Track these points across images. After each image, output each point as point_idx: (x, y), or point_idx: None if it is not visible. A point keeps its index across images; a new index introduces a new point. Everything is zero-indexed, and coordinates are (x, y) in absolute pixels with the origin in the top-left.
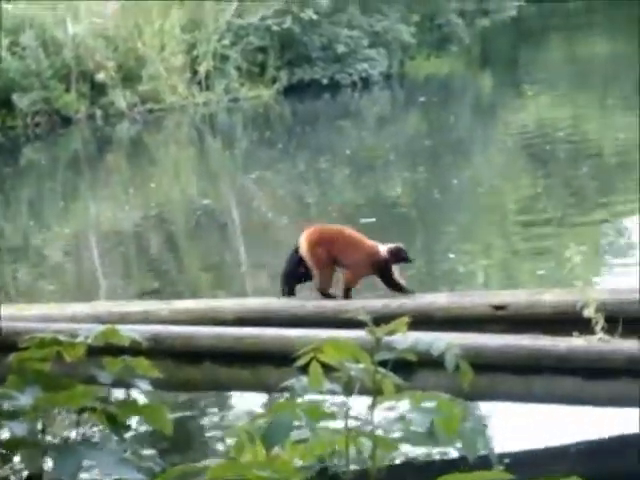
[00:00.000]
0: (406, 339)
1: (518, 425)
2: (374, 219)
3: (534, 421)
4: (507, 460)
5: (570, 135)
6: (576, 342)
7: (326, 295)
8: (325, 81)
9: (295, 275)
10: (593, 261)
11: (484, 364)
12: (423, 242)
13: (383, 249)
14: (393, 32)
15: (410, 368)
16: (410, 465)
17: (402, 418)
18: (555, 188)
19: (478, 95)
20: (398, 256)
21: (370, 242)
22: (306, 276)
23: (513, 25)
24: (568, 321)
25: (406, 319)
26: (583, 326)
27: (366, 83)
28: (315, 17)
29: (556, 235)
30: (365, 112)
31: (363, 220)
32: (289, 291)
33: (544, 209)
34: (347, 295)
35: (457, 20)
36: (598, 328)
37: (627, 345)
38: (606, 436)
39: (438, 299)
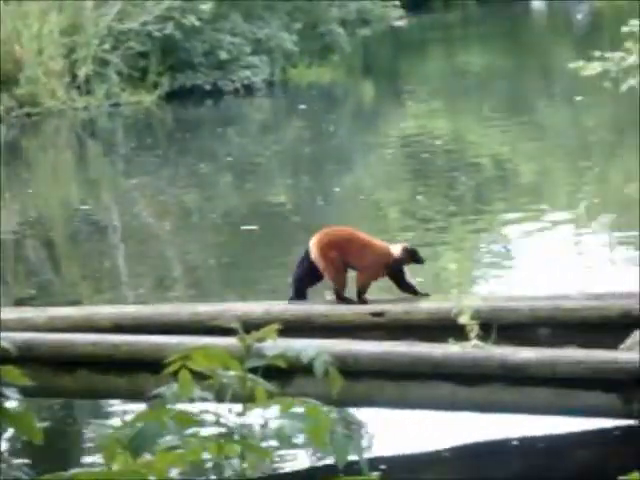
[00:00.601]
0: (276, 346)
1: (395, 431)
2: (257, 226)
3: (410, 427)
4: (383, 466)
5: (449, 144)
6: (451, 349)
7: (342, 299)
8: (208, 87)
9: (305, 279)
10: (470, 269)
11: (361, 371)
12: (305, 248)
13: (396, 249)
14: (275, 40)
15: (290, 375)
16: (291, 474)
17: (274, 425)
18: (434, 196)
19: (359, 103)
20: (412, 257)
21: (381, 243)
22: (317, 279)
23: (393, 35)
24: (444, 328)
25: (276, 326)
26: (458, 333)
27: (249, 90)
28: (197, 23)
29: (435, 243)
30: (247, 119)
31: (245, 227)
32: (299, 295)
33: (423, 217)
34: (361, 299)
35: (338, 29)
36: (473, 335)
37: (500, 351)
38: (480, 441)
39: (318, 306)
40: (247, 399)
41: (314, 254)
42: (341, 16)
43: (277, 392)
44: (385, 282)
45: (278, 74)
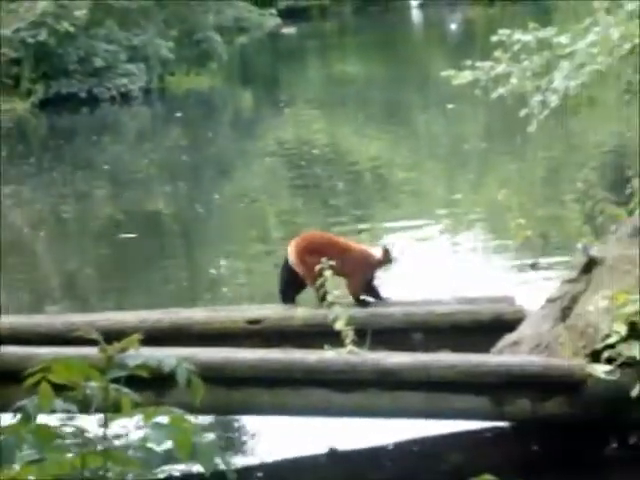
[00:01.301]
0: (139, 356)
1: (272, 437)
2: (136, 234)
3: (287, 433)
4: (260, 473)
5: (327, 153)
6: (326, 355)
7: (287, 301)
8: (83, 95)
9: (290, 285)
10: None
11: (238, 378)
12: (185, 257)
13: (377, 251)
14: (152, 47)
15: (168, 384)
16: None
17: (138, 435)
18: (314, 203)
19: (238, 111)
20: (389, 257)
21: (360, 246)
22: (303, 285)
23: (271, 43)
24: (320, 334)
25: (137, 336)
26: (334, 339)
27: (125, 98)
28: (72, 30)
29: None
30: (124, 127)
31: (124, 235)
32: (286, 301)
33: (304, 223)
34: (360, 302)
35: (215, 36)
36: (348, 340)
37: (375, 357)
38: (356, 446)
39: (195, 314)
40: (112, 409)
41: (292, 260)
42: (218, 23)
43: (152, 402)
44: (260, 290)
45: (155, 82)
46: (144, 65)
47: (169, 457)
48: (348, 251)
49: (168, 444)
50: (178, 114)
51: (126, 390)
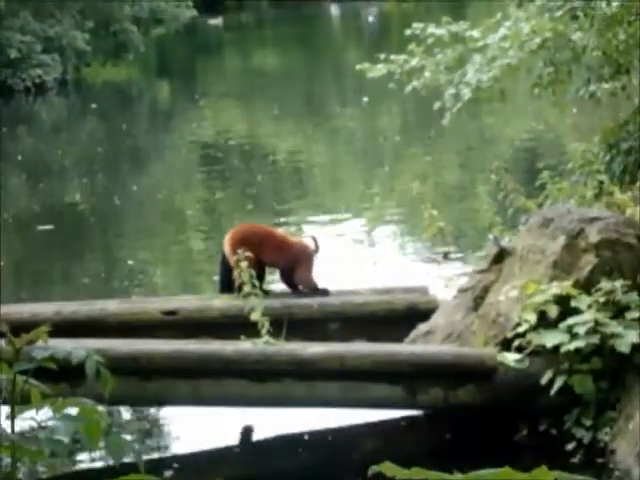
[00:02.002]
0: (47, 348)
1: (187, 428)
2: (52, 226)
3: (202, 424)
4: (176, 464)
5: (244, 144)
6: (243, 345)
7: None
8: None
9: (228, 275)
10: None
11: (154, 369)
12: (103, 248)
13: (310, 242)
14: (67, 38)
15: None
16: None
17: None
18: (232, 195)
19: (155, 103)
20: (318, 247)
21: (294, 238)
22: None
23: (188, 35)
24: (237, 325)
25: (45, 328)
26: (251, 330)
27: (41, 89)
28: None
29: None
30: (39, 118)
31: (41, 227)
32: (224, 291)
33: (222, 216)
34: (321, 292)
35: (132, 28)
36: (264, 331)
37: (291, 347)
38: (272, 436)
39: (109, 306)
40: (21, 401)
41: (226, 250)
42: (134, 15)
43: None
44: (177, 281)
45: (71, 73)
46: (59, 56)
47: (78, 448)
48: (285, 244)
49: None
50: (93, 105)
51: (35, 382)
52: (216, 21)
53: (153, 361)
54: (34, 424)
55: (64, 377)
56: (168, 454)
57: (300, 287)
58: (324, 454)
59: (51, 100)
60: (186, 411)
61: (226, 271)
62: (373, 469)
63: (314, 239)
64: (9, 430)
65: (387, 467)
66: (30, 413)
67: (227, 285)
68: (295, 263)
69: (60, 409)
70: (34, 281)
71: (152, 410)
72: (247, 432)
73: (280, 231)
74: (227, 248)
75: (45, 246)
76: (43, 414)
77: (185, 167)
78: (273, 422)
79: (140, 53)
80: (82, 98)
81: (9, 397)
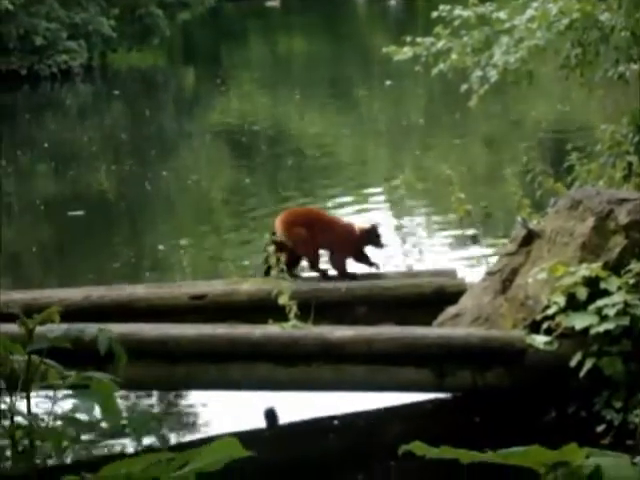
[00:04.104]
0: (59, 328)
1: (215, 412)
2: (83, 212)
3: (231, 407)
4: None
5: (271, 130)
6: (270, 329)
7: (318, 271)
8: (24, 72)
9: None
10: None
11: (183, 354)
12: (133, 233)
13: (360, 229)
14: (93, 24)
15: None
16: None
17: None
18: (260, 180)
19: (181, 89)
20: (372, 236)
21: (345, 222)
22: (297, 260)
23: (213, 21)
24: (264, 309)
25: (57, 308)
26: (278, 313)
27: (67, 75)
28: (11, 7)
29: (262, 226)
30: (66, 104)
31: (72, 213)
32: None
33: (250, 201)
34: (346, 275)
35: (157, 12)
36: (292, 315)
37: (319, 330)
38: (302, 419)
39: (137, 290)
40: (37, 382)
41: (280, 233)
42: None
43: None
44: (206, 267)
45: (97, 59)
46: (85, 42)
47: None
48: (332, 226)
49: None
50: (120, 91)
51: (51, 362)
52: (274, 3)
53: (181, 345)
54: (50, 406)
55: (91, 361)
56: (196, 437)
57: (329, 270)
58: (352, 438)
59: (77, 86)
60: (214, 394)
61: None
62: (403, 448)
63: (368, 229)
64: (25, 410)
65: (417, 446)
66: (47, 393)
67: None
68: (334, 245)
69: (74, 383)
70: (65, 266)
71: (179, 394)
72: (271, 415)
73: (331, 215)
74: (280, 230)
75: (76, 232)
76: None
77: (212, 153)
78: (302, 405)
79: (166, 38)
80: (108, 84)
81: (25, 378)
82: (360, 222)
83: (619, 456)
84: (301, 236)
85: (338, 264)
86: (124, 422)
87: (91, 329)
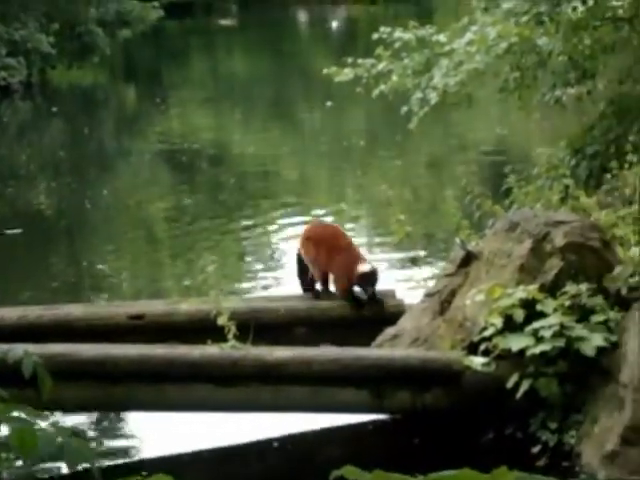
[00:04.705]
0: None
1: (154, 434)
2: (21, 230)
3: (169, 429)
4: (144, 471)
5: (212, 148)
6: (210, 350)
7: (307, 290)
8: None
9: (305, 274)
10: (233, 270)
11: (121, 374)
12: (72, 253)
13: (362, 266)
14: (32, 41)
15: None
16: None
17: None
18: (200, 199)
19: (121, 107)
20: (361, 282)
21: (352, 254)
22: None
23: (154, 39)
24: (203, 329)
25: None
26: (218, 334)
27: (5, 91)
28: None
29: (202, 246)
30: (4, 121)
31: (9, 231)
32: (307, 290)
33: (191, 220)
34: (353, 302)
35: (97, 30)
36: (230, 335)
37: (258, 351)
38: (240, 442)
39: (75, 310)
40: None
41: (298, 247)
42: (100, 17)
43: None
44: (146, 287)
45: (36, 75)
46: (24, 59)
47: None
48: (337, 252)
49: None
50: (59, 109)
51: None
52: (227, 22)
53: (119, 366)
54: None
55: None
56: (135, 459)
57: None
58: (290, 459)
59: (16, 103)
60: (153, 416)
61: (301, 270)
62: (335, 474)
63: (371, 272)
64: None
65: (349, 471)
66: None
67: (307, 283)
68: (332, 271)
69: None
70: (1, 285)
71: (118, 415)
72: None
73: (348, 240)
74: (299, 244)
75: (13, 250)
76: None
77: (152, 172)
78: (240, 427)
79: (106, 56)
80: (47, 101)
81: None
82: (368, 260)
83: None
84: (309, 252)
85: (338, 290)
86: (58, 455)
87: (17, 350)
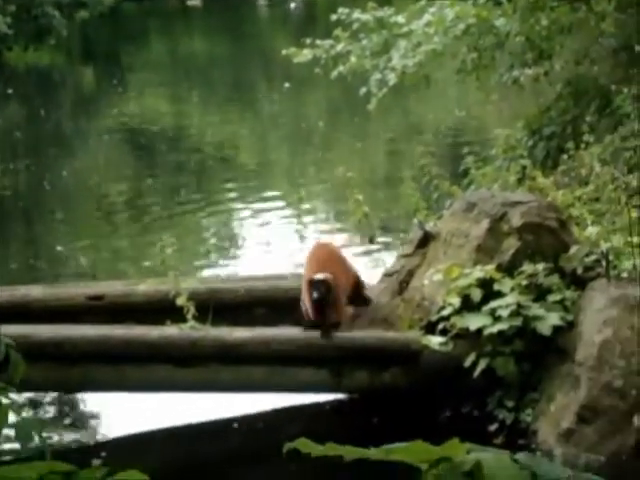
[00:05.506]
0: None
1: (113, 415)
2: None
3: (129, 410)
4: (104, 453)
5: (171, 130)
6: (168, 330)
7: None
8: None
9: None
10: (192, 251)
11: (79, 355)
12: (30, 234)
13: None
14: None
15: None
16: None
17: None
18: (159, 181)
19: (79, 88)
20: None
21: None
22: None
23: (112, 20)
24: (162, 310)
25: None
26: (177, 314)
27: None
28: None
29: (161, 228)
30: None
31: None
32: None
33: (150, 202)
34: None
35: (54, 12)
36: (189, 316)
37: (217, 332)
38: (200, 421)
39: (32, 291)
40: None
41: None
42: None
43: None
44: (105, 268)
45: None
46: None
47: None
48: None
49: None
50: (16, 90)
51: None
52: (194, 2)
53: (77, 346)
54: None
55: None
56: (95, 441)
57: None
58: (249, 439)
59: None
60: (111, 397)
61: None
62: (288, 446)
63: (310, 282)
64: None
65: (302, 444)
66: None
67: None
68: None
69: None
70: None
71: (76, 396)
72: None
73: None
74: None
75: None
76: None
77: (110, 153)
78: (199, 408)
79: (63, 38)
80: (4, 82)
81: None
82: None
83: (500, 452)
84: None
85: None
86: (8, 431)
87: None
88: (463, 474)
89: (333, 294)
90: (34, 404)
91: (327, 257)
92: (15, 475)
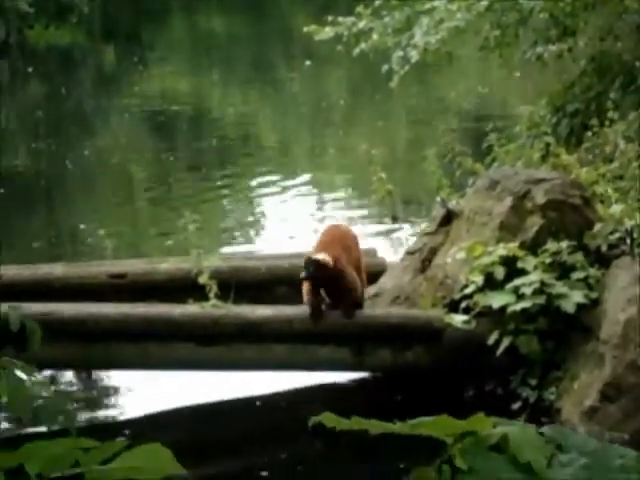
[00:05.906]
0: None
1: (137, 393)
2: (1, 190)
3: (152, 387)
4: (127, 430)
5: (192, 109)
6: (190, 308)
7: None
8: None
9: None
10: (214, 229)
11: (101, 333)
12: (53, 213)
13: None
14: (10, 1)
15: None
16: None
17: None
18: (180, 159)
19: (100, 67)
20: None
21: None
22: None
23: None
24: (184, 288)
25: None
26: (199, 293)
27: None
28: None
29: (183, 206)
30: None
31: None
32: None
33: (172, 180)
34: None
35: None
36: (212, 294)
37: (239, 310)
38: (223, 399)
39: (55, 269)
40: None
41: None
42: None
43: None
44: (127, 247)
45: (14, 35)
46: (1, 18)
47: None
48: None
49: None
50: (37, 69)
51: None
52: None
53: (100, 324)
54: None
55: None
56: (119, 419)
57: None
58: (272, 417)
59: None
60: (134, 375)
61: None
62: (314, 419)
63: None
64: None
65: (327, 418)
66: None
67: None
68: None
69: None
70: None
71: (99, 374)
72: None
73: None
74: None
75: None
76: None
77: (132, 133)
78: (222, 386)
79: (84, 16)
80: (25, 61)
81: None
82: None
83: (526, 425)
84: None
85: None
86: (33, 410)
87: (2, 306)
88: (489, 447)
89: (330, 275)
90: (57, 382)
91: (333, 239)
92: (42, 451)
